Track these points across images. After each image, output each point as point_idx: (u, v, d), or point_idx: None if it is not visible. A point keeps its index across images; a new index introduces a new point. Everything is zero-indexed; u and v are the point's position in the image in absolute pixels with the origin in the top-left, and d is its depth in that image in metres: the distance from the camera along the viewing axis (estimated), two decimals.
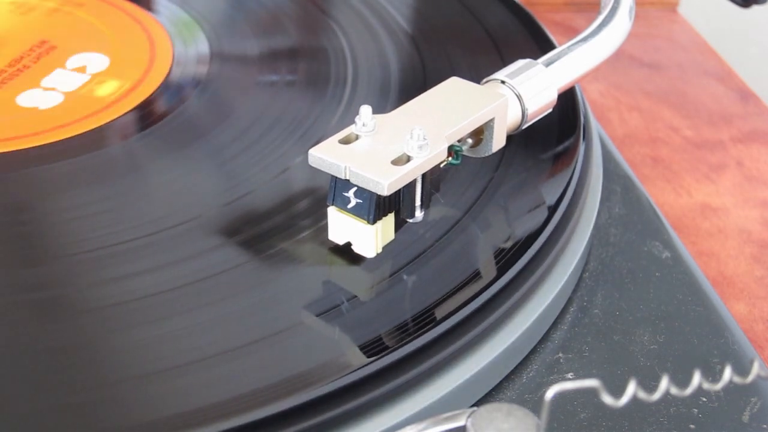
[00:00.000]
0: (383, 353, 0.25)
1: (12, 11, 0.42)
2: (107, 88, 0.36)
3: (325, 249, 0.28)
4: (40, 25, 0.41)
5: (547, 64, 0.32)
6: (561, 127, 0.34)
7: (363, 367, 0.25)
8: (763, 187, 0.42)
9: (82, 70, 0.37)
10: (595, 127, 0.38)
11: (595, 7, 0.36)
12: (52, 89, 0.36)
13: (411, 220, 0.28)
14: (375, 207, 0.26)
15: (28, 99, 0.36)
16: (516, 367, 0.29)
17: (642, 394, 0.20)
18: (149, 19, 0.42)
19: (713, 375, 0.29)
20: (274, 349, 0.25)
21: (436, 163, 0.27)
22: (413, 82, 0.38)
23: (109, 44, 0.39)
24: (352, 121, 0.27)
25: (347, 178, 0.26)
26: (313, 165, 0.27)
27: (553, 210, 0.30)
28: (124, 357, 0.25)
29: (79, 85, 0.36)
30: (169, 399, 0.24)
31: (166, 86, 0.37)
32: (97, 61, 0.38)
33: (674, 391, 0.20)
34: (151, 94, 0.36)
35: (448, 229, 0.29)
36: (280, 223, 0.30)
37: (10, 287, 0.27)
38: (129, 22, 0.42)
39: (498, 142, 0.30)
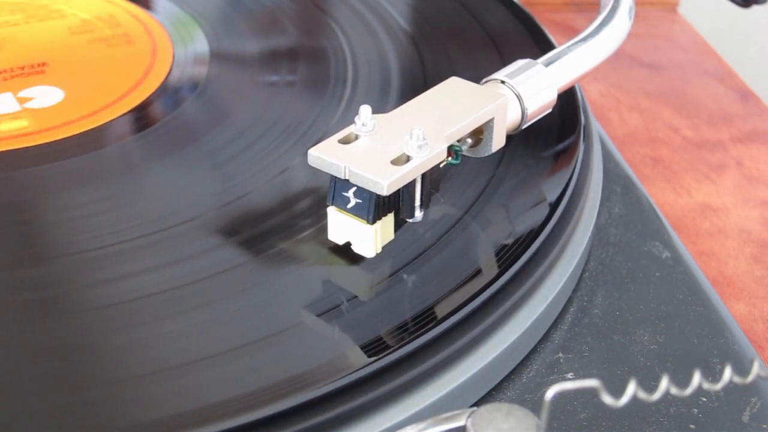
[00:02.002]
0: (383, 353, 0.25)
1: (68, 28, 0.41)
2: (11, 125, 0.34)
3: (324, 249, 0.28)
4: (69, 49, 0.40)
5: (547, 64, 0.32)
6: (561, 126, 0.34)
7: (363, 367, 0.25)
8: (763, 187, 0.42)
9: (22, 100, 0.36)
10: (595, 127, 0.38)
11: (595, 7, 0.36)
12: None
13: (411, 220, 0.28)
14: (375, 207, 0.26)
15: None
16: (516, 367, 0.28)
17: (642, 394, 0.20)
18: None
19: (713, 375, 0.29)
20: (274, 349, 0.25)
21: (435, 163, 0.27)
22: (413, 82, 0.38)
23: (102, 77, 0.38)
24: (352, 121, 0.27)
25: (347, 178, 0.26)
26: (312, 165, 0.27)
27: (553, 210, 0.30)
28: (123, 357, 0.25)
29: None
30: (168, 399, 0.24)
31: (166, 86, 0.37)
32: (45, 98, 0.36)
33: (674, 391, 0.20)
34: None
35: (448, 229, 0.29)
36: (280, 223, 0.30)
37: (10, 287, 0.27)
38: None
39: (498, 142, 0.30)
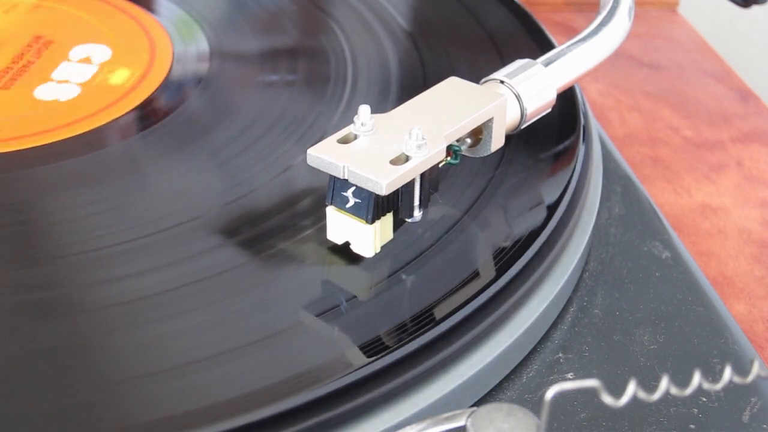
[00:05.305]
0: (383, 353, 0.25)
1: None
2: (120, 76, 0.36)
3: (324, 249, 0.28)
4: (28, 21, 0.41)
5: (546, 64, 0.32)
6: (561, 126, 0.34)
7: (363, 367, 0.25)
8: (763, 187, 0.42)
9: (87, 60, 0.37)
10: (595, 127, 0.38)
11: (595, 7, 0.36)
12: (66, 81, 0.36)
13: (410, 220, 0.28)
14: (373, 206, 0.26)
15: (46, 92, 0.36)
16: (516, 367, 0.28)
17: (642, 394, 0.20)
18: (147, 18, 0.42)
19: (713, 375, 0.29)
20: (274, 349, 0.25)
21: (434, 162, 0.27)
22: (413, 82, 0.38)
23: (105, 35, 0.39)
24: (352, 121, 0.27)
25: (346, 177, 0.26)
26: (311, 164, 0.27)
27: (553, 210, 0.30)
28: (124, 357, 0.25)
29: (90, 76, 0.36)
30: (169, 399, 0.24)
31: (166, 86, 0.37)
32: (99, 52, 0.38)
33: (674, 391, 0.20)
34: (151, 94, 0.36)
35: (447, 229, 0.29)
36: (280, 223, 0.30)
37: (10, 287, 0.27)
38: (118, 13, 0.42)
39: (497, 141, 0.30)
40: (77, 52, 0.38)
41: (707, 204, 0.41)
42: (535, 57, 0.32)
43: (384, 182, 0.26)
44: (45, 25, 0.40)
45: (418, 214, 0.28)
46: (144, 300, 0.27)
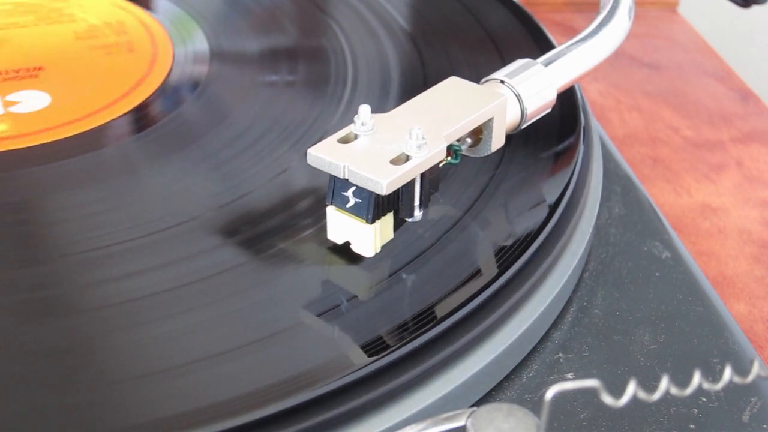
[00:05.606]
0: (383, 353, 0.25)
1: (74, 33, 0.41)
2: None
3: (324, 249, 0.28)
4: (68, 54, 0.39)
5: (546, 64, 0.32)
6: (561, 126, 0.34)
7: (363, 366, 0.25)
8: (763, 187, 0.42)
9: (9, 104, 0.36)
10: (595, 127, 0.38)
11: (595, 7, 0.36)
12: None
13: (410, 220, 0.28)
14: (374, 206, 0.26)
15: None
16: (516, 367, 0.28)
17: (642, 394, 0.20)
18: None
19: (713, 375, 0.29)
20: (274, 349, 0.25)
21: (434, 162, 0.27)
22: (413, 82, 0.38)
23: (92, 85, 0.38)
24: (352, 121, 0.27)
25: (346, 177, 0.26)
26: (312, 164, 0.27)
27: (553, 209, 0.30)
28: (124, 357, 0.25)
29: None
30: (169, 399, 0.24)
31: (166, 86, 0.37)
32: (33, 102, 0.36)
33: (674, 391, 0.20)
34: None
35: (448, 229, 0.29)
36: (280, 223, 0.30)
37: (9, 287, 0.27)
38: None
39: (497, 141, 0.30)
40: (21, 95, 0.36)
41: (707, 204, 0.41)
42: (535, 57, 0.32)
43: (384, 182, 0.26)
44: (67, 63, 0.39)
45: (418, 213, 0.28)
46: (143, 300, 0.27)
